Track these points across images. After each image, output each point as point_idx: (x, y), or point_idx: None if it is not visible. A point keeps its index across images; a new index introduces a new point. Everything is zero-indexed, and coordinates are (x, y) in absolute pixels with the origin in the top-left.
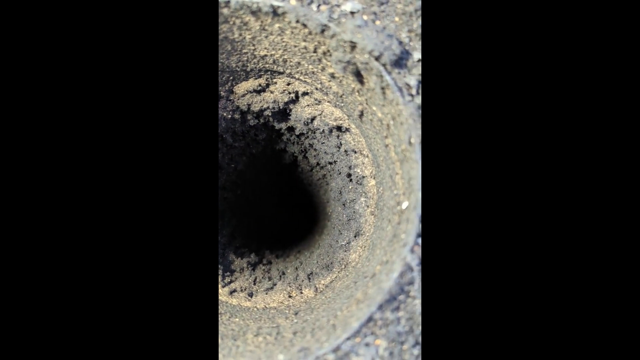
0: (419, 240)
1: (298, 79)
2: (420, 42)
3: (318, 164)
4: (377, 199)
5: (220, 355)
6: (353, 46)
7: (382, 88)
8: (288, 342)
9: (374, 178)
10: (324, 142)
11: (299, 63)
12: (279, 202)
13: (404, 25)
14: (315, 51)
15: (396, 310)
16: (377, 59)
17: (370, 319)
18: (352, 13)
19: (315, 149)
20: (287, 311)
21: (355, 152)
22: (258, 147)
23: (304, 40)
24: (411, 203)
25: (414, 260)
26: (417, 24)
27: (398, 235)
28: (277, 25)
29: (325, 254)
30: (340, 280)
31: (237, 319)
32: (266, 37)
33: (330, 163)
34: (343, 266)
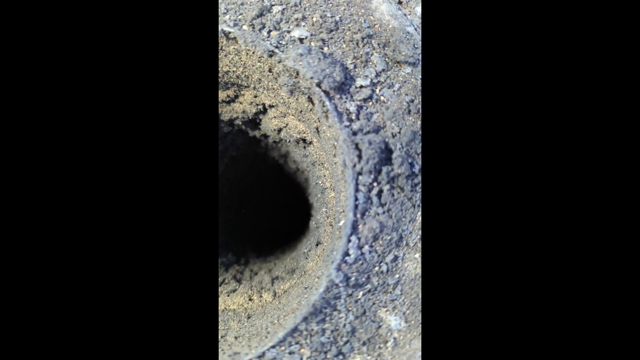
0: (347, 259)
1: (263, 92)
2: (365, 69)
3: (298, 168)
4: (334, 211)
5: None
6: (296, 72)
7: (325, 112)
8: (227, 346)
9: (334, 190)
10: (295, 151)
11: (259, 80)
12: (266, 203)
13: (351, 52)
14: (270, 71)
15: (322, 322)
16: (318, 85)
17: (295, 329)
18: (301, 40)
19: (292, 156)
20: (242, 314)
21: (319, 164)
22: (238, 150)
23: (259, 62)
24: (343, 223)
25: (338, 277)
26: (363, 51)
27: (331, 252)
28: (232, 47)
29: (293, 259)
30: (297, 287)
31: None
32: (225, 55)
33: (303, 171)
34: (302, 273)
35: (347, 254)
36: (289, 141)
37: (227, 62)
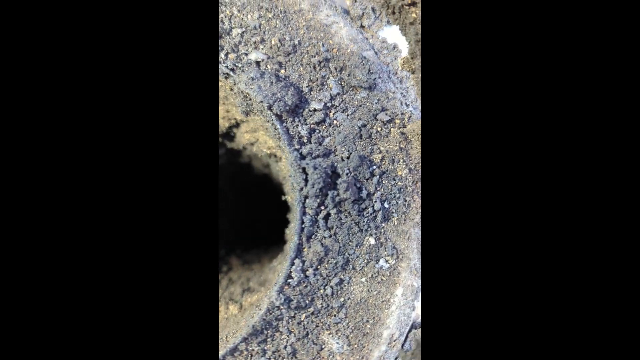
0: (290, 281)
1: (232, 108)
2: (320, 92)
3: (284, 177)
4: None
5: None
6: (247, 95)
7: (277, 135)
8: None
9: (288, 195)
10: (273, 164)
11: (226, 97)
12: (256, 207)
13: (307, 75)
14: (231, 89)
15: (263, 342)
16: (269, 108)
17: (235, 349)
18: (257, 63)
19: (273, 167)
20: None
21: (287, 180)
22: (221, 159)
23: (220, 80)
24: (287, 247)
25: (279, 300)
26: (319, 74)
27: (275, 272)
28: None
29: (266, 271)
30: (260, 302)
31: None
32: None
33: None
34: (269, 286)
35: (289, 276)
36: (262, 156)
37: None
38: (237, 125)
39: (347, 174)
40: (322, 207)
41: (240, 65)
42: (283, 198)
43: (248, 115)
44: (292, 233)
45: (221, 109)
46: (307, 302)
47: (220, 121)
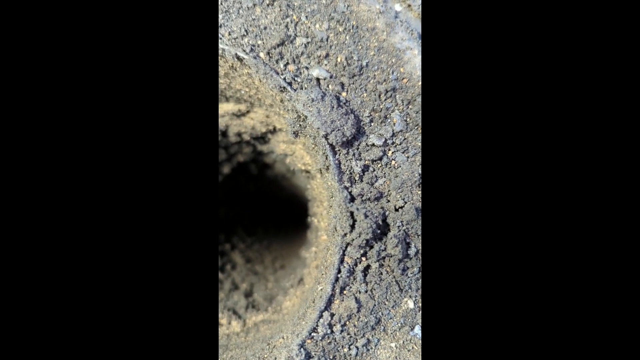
0: (314, 335)
1: (274, 116)
2: (382, 126)
3: (302, 190)
4: (323, 256)
5: None
6: (304, 117)
7: (326, 166)
8: None
9: (327, 233)
10: (300, 176)
11: (271, 105)
12: (268, 210)
13: (370, 104)
14: (282, 102)
15: None
16: (324, 137)
17: None
18: (318, 80)
19: (298, 176)
20: None
21: (317, 202)
22: (245, 156)
23: (271, 90)
24: (320, 291)
25: (300, 355)
26: (384, 105)
27: (302, 319)
28: (245, 70)
29: (276, 285)
30: (267, 324)
31: None
32: (239, 76)
33: (304, 198)
34: (278, 309)
35: (314, 330)
36: (293, 170)
37: (240, 82)
38: (274, 131)
39: (398, 227)
40: (364, 259)
41: (299, 81)
42: (309, 219)
43: (297, 137)
44: (324, 278)
45: (262, 113)
46: None
47: (258, 125)
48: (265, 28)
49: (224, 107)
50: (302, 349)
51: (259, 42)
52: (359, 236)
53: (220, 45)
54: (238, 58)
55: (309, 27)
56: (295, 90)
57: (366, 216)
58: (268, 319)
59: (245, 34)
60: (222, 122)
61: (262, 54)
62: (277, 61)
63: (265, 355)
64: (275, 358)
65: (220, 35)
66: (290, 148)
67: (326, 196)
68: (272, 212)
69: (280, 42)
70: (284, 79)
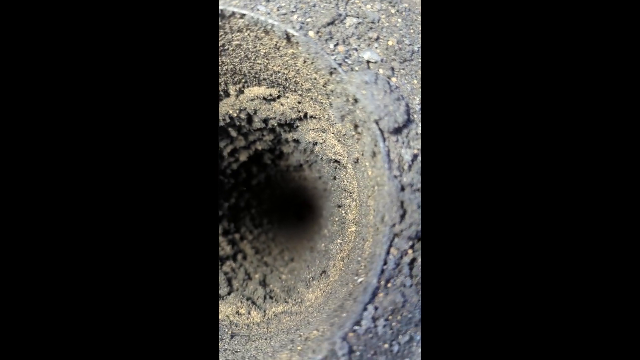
0: (357, 328)
1: (308, 102)
2: None
3: (320, 177)
4: (351, 248)
5: None
6: (355, 100)
7: (374, 152)
8: None
9: (356, 225)
10: (324, 167)
11: (309, 89)
12: (279, 197)
13: (420, 91)
14: (324, 86)
15: None
16: (376, 122)
17: None
18: (369, 62)
19: (318, 167)
20: (225, 331)
21: (347, 193)
22: (264, 144)
23: (315, 72)
24: (363, 282)
25: (342, 349)
26: None
27: (340, 311)
28: (290, 50)
29: (292, 276)
30: (289, 316)
31: None
32: (280, 56)
33: (325, 190)
34: (299, 301)
35: (358, 323)
36: (322, 158)
37: (280, 63)
38: (304, 119)
39: None
40: (410, 251)
41: (349, 62)
42: (339, 209)
43: (342, 121)
44: (365, 270)
45: (293, 99)
46: (368, 356)
47: (288, 111)
48: (314, 5)
49: (254, 91)
50: (345, 341)
51: (309, 19)
52: (410, 227)
53: (269, 20)
54: (287, 36)
55: (360, 7)
56: (345, 72)
57: (418, 207)
58: (289, 310)
59: (294, 10)
60: (250, 107)
61: (311, 33)
62: (326, 41)
63: (300, 347)
64: (314, 350)
65: (268, 10)
66: (320, 136)
67: (358, 187)
68: (278, 204)
69: (331, 21)
70: (334, 59)
